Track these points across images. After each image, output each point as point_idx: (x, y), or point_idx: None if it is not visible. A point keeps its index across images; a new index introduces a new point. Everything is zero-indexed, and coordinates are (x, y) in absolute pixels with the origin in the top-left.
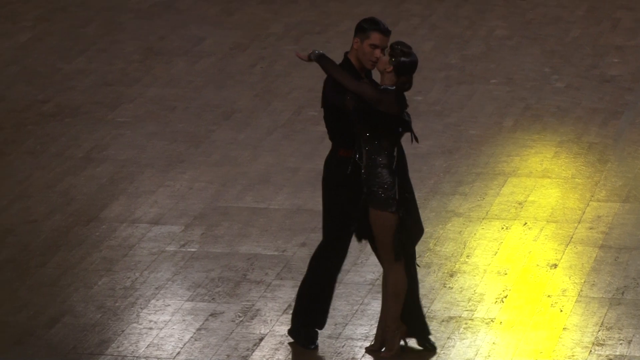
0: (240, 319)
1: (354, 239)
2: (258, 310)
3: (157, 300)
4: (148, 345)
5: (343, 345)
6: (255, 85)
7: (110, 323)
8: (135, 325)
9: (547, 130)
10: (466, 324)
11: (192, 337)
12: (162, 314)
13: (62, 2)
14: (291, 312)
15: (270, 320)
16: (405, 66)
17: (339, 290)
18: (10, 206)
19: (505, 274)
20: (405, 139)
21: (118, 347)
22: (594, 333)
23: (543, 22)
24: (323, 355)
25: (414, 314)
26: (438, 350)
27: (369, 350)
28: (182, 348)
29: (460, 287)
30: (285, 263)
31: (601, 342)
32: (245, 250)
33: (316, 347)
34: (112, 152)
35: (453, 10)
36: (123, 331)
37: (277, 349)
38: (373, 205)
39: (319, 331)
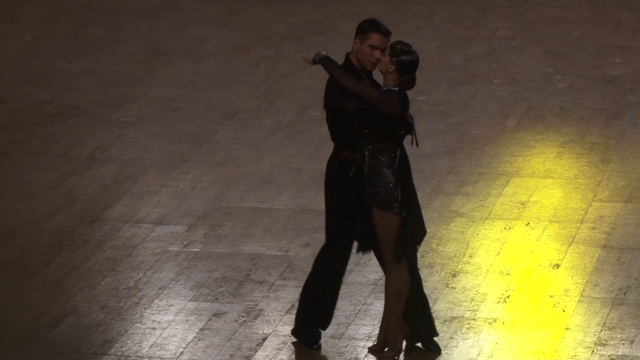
0: (244, 319)
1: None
2: (261, 310)
3: (161, 300)
4: (151, 345)
5: (346, 345)
6: (258, 86)
7: (114, 323)
8: (138, 325)
9: (549, 131)
10: (469, 324)
11: (195, 337)
12: (166, 314)
13: (65, 3)
14: (294, 312)
15: (274, 320)
16: (407, 64)
17: (342, 290)
18: (14, 206)
19: (508, 274)
20: (407, 140)
21: (121, 347)
22: (597, 333)
23: (546, 23)
24: (326, 355)
25: (418, 315)
26: (441, 350)
27: (371, 350)
28: (185, 348)
29: (463, 287)
30: (288, 263)
31: (603, 342)
32: (248, 250)
33: (319, 347)
34: (115, 152)
35: (455, 10)
36: (126, 331)
37: (280, 349)
38: (376, 206)
39: (323, 331)
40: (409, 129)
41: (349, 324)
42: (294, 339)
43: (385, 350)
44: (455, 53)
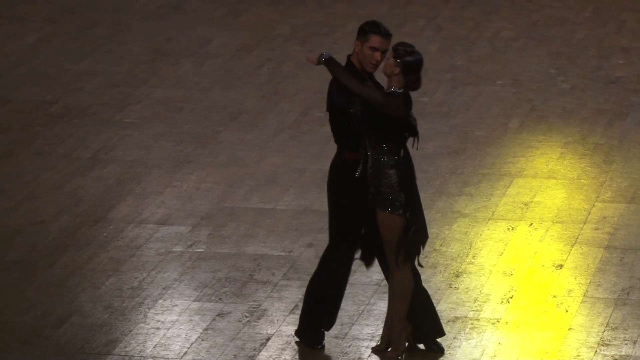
0: (247, 319)
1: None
2: (265, 310)
3: (165, 300)
4: (155, 345)
5: (349, 346)
6: (262, 87)
7: (118, 323)
8: (142, 325)
9: (552, 132)
10: (472, 324)
11: (199, 337)
12: (170, 314)
13: (70, 4)
14: (298, 312)
15: (277, 320)
16: (412, 65)
17: (345, 290)
18: (18, 207)
19: (511, 274)
20: (410, 141)
21: (125, 347)
22: (600, 333)
23: (549, 24)
24: (329, 355)
25: (420, 315)
26: (444, 351)
27: (375, 350)
28: (189, 348)
29: (466, 288)
30: (291, 263)
31: (607, 342)
32: (252, 251)
33: (323, 347)
34: (119, 153)
35: (459, 11)
36: (130, 331)
37: (283, 349)
38: (380, 206)
39: (327, 331)
40: (413, 131)
41: (353, 324)
42: (298, 339)
43: (389, 350)
44: (459, 54)
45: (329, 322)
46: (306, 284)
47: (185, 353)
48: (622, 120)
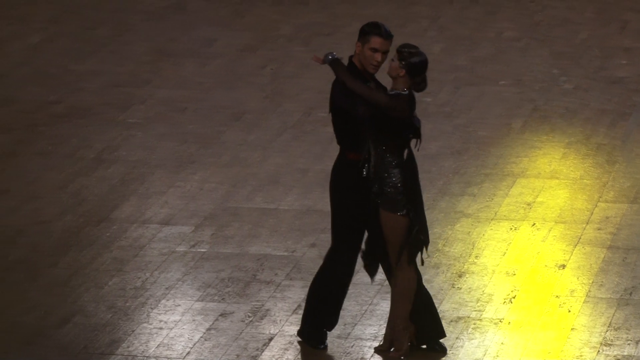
0: (250, 319)
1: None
2: (268, 310)
3: (168, 300)
4: (158, 345)
5: (352, 345)
6: (265, 87)
7: (121, 323)
8: (145, 325)
9: (555, 132)
10: (475, 324)
11: (202, 337)
12: (172, 314)
13: (73, 4)
14: (301, 312)
15: (280, 320)
16: (417, 66)
17: (348, 290)
18: (21, 207)
19: (514, 274)
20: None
21: (128, 347)
22: (602, 333)
23: (552, 24)
24: (332, 355)
25: (423, 316)
26: (447, 351)
27: (377, 350)
28: (192, 348)
29: (469, 288)
30: (294, 263)
31: (609, 342)
32: (255, 251)
33: (325, 347)
34: (122, 153)
35: (462, 12)
36: (133, 331)
37: (286, 349)
38: (384, 206)
39: (329, 332)
40: (417, 133)
41: (355, 324)
42: (300, 340)
43: (392, 350)
44: (462, 54)
45: (332, 322)
46: (309, 284)
47: (188, 353)
48: (624, 121)
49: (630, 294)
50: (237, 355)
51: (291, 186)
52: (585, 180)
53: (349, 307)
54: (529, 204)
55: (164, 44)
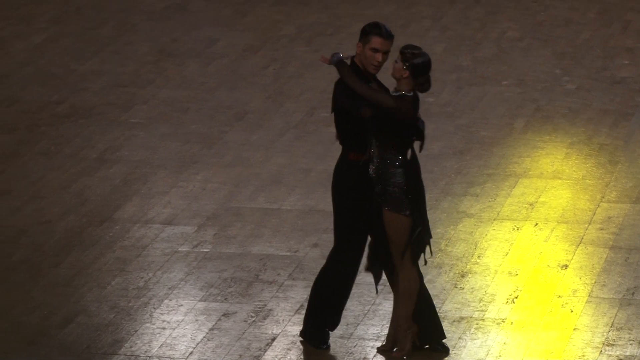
0: (253, 319)
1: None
2: (270, 310)
3: (170, 300)
4: (161, 345)
5: (355, 346)
6: (267, 87)
7: (124, 323)
8: (148, 325)
9: (558, 132)
10: (477, 324)
11: (204, 337)
12: (175, 314)
13: (76, 4)
14: (303, 312)
15: (283, 320)
16: (420, 67)
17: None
18: (24, 207)
19: (516, 274)
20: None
21: (131, 347)
22: (605, 333)
23: (554, 24)
24: (335, 355)
25: (425, 316)
26: (449, 351)
27: (380, 350)
28: (194, 348)
29: (472, 288)
30: (297, 263)
31: (611, 342)
32: (257, 251)
33: (328, 347)
34: (125, 153)
35: (464, 12)
36: (136, 331)
37: (289, 349)
38: (387, 206)
39: (332, 331)
40: (420, 135)
41: (358, 324)
42: (303, 339)
43: (394, 350)
44: (464, 54)
45: (334, 322)
46: (312, 284)
47: (191, 353)
48: (627, 121)
49: (633, 294)
50: (240, 355)
51: (294, 186)
52: (587, 181)
53: (352, 307)
54: (531, 204)
55: (167, 44)
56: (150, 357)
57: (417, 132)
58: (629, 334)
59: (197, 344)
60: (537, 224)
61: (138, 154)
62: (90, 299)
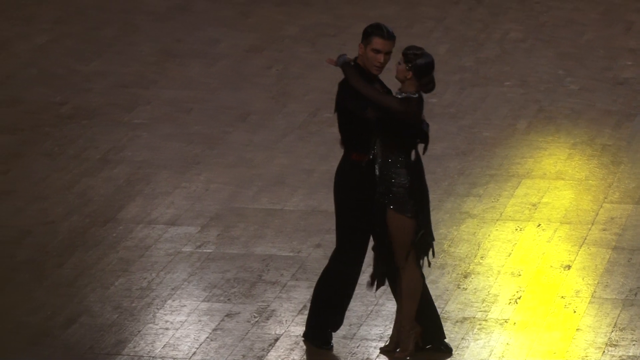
0: (256, 319)
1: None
2: (273, 310)
3: (173, 300)
4: (164, 346)
5: (358, 346)
6: (270, 88)
7: (127, 323)
8: (151, 325)
9: (560, 132)
10: (480, 324)
11: (208, 337)
12: (178, 314)
13: (79, 5)
14: (307, 312)
15: (286, 320)
16: (423, 67)
17: (354, 291)
18: (28, 207)
19: (519, 275)
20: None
21: (134, 347)
22: (607, 334)
23: (557, 25)
24: (338, 355)
25: (427, 316)
26: (452, 351)
27: (383, 350)
28: (197, 348)
29: (475, 288)
30: (300, 264)
31: (614, 343)
32: (260, 251)
33: (331, 347)
34: (128, 153)
35: (467, 13)
36: (139, 331)
37: (292, 349)
38: (391, 206)
39: (335, 332)
40: (425, 138)
41: (361, 325)
42: (306, 340)
43: (397, 350)
44: (467, 55)
45: (336, 323)
46: (315, 284)
47: (194, 353)
48: (630, 122)
49: (636, 294)
50: (243, 356)
51: (297, 187)
52: (590, 181)
53: (355, 307)
54: (534, 205)
55: (170, 44)
56: (153, 357)
57: (422, 134)
58: (632, 334)
59: (200, 345)
60: (539, 224)
61: (141, 154)
62: (94, 299)
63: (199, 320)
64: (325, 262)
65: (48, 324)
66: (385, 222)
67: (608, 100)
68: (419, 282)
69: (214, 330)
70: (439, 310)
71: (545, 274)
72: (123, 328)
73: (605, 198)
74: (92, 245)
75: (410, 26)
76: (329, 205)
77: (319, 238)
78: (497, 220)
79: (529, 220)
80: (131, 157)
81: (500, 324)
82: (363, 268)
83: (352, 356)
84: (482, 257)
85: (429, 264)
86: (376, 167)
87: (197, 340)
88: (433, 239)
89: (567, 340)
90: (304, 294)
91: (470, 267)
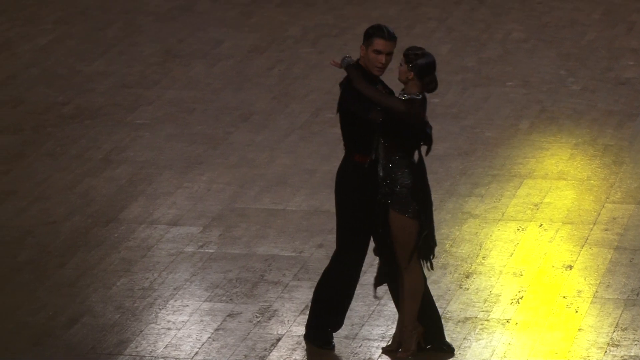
0: (258, 319)
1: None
2: (275, 310)
3: (176, 300)
4: (166, 346)
5: (360, 346)
6: (272, 88)
7: (129, 323)
8: (153, 325)
9: (562, 133)
10: (482, 324)
11: (210, 337)
12: (180, 314)
13: (82, 5)
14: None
15: (288, 320)
16: (424, 67)
17: (355, 291)
18: (30, 208)
19: (521, 275)
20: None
21: (136, 347)
22: (609, 334)
23: (559, 25)
24: (340, 355)
25: (428, 317)
26: (454, 351)
27: (385, 350)
28: (200, 348)
29: (476, 288)
30: (302, 264)
31: (616, 342)
32: (262, 252)
33: (333, 347)
34: (131, 153)
35: (469, 13)
36: (141, 331)
37: (294, 349)
38: (393, 207)
39: (337, 332)
40: (428, 140)
41: (363, 325)
42: (307, 340)
43: (399, 350)
44: (469, 55)
45: (337, 323)
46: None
47: (196, 353)
48: (632, 122)
49: (637, 294)
50: (245, 356)
51: (299, 187)
52: (592, 181)
53: (357, 307)
54: (536, 205)
55: (172, 45)
56: (155, 357)
57: (425, 136)
58: (634, 334)
59: (202, 345)
60: (541, 224)
61: (143, 154)
62: (96, 299)
63: (201, 320)
64: (328, 262)
65: (50, 324)
66: (387, 223)
67: (610, 101)
68: (421, 282)
69: (216, 330)
70: (441, 310)
71: (547, 274)
72: (125, 328)
73: (607, 198)
74: (94, 246)
75: (412, 26)
76: (331, 205)
77: (321, 238)
78: (499, 220)
79: (531, 220)
80: (133, 157)
81: (502, 324)
82: (365, 269)
83: (354, 356)
84: (484, 257)
85: (432, 266)
86: (379, 168)
87: (199, 340)
88: (435, 244)
89: (569, 340)
90: (306, 294)
91: (472, 267)
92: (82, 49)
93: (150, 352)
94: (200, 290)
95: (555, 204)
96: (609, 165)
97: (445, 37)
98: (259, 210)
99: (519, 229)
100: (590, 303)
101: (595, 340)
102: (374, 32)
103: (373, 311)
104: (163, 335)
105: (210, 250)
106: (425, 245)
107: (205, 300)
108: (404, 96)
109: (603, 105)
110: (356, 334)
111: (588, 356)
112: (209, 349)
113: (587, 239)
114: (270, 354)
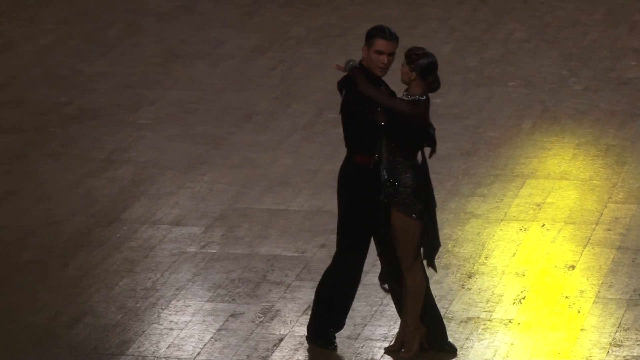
0: (260, 319)
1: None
2: (278, 311)
3: (178, 301)
4: (169, 346)
5: (362, 346)
6: (275, 88)
7: (131, 323)
8: (156, 325)
9: (565, 133)
10: (484, 324)
11: (212, 337)
12: (183, 314)
13: (84, 5)
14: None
15: (290, 321)
16: (426, 67)
17: (358, 291)
18: (32, 208)
19: (524, 275)
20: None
21: (139, 348)
22: (612, 334)
23: (561, 25)
24: (342, 355)
25: (430, 317)
26: (457, 351)
27: (388, 350)
28: (202, 348)
29: (479, 288)
30: (305, 264)
31: (619, 343)
32: (265, 252)
33: (335, 347)
34: (133, 154)
35: (472, 13)
36: (144, 332)
37: (296, 350)
38: (396, 208)
39: (339, 332)
40: (432, 142)
41: (365, 325)
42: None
43: (402, 350)
44: (471, 55)
45: (338, 324)
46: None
47: (199, 353)
48: (634, 122)
49: None
50: (248, 356)
51: (301, 187)
52: (594, 181)
53: (359, 307)
54: (538, 205)
55: (175, 45)
56: (157, 357)
57: (429, 138)
58: (636, 334)
59: (205, 345)
60: (544, 224)
61: (146, 154)
62: (98, 299)
63: (204, 321)
64: (330, 262)
65: (52, 325)
66: (389, 223)
67: (612, 101)
68: (423, 283)
69: (219, 330)
70: (443, 311)
71: (550, 274)
72: (127, 328)
73: (610, 198)
74: (96, 246)
75: (414, 27)
76: (334, 205)
77: (323, 238)
78: (501, 220)
79: (533, 221)
80: (136, 158)
81: (505, 324)
82: (367, 269)
83: (356, 356)
84: (486, 257)
85: (435, 268)
86: (382, 168)
87: (202, 340)
88: (439, 244)
89: (571, 340)
90: (308, 294)
91: (475, 267)
92: (84, 49)
93: (153, 352)
94: (202, 290)
95: (558, 204)
96: (611, 165)
97: (448, 38)
98: (261, 211)
99: (521, 229)
100: (593, 303)
101: (597, 341)
102: (376, 32)
103: (375, 311)
104: (165, 336)
105: (213, 251)
106: (428, 246)
107: (208, 301)
108: (408, 97)
109: (605, 105)
110: (358, 334)
111: (590, 356)
112: (211, 349)
113: (590, 239)
114: (273, 354)
